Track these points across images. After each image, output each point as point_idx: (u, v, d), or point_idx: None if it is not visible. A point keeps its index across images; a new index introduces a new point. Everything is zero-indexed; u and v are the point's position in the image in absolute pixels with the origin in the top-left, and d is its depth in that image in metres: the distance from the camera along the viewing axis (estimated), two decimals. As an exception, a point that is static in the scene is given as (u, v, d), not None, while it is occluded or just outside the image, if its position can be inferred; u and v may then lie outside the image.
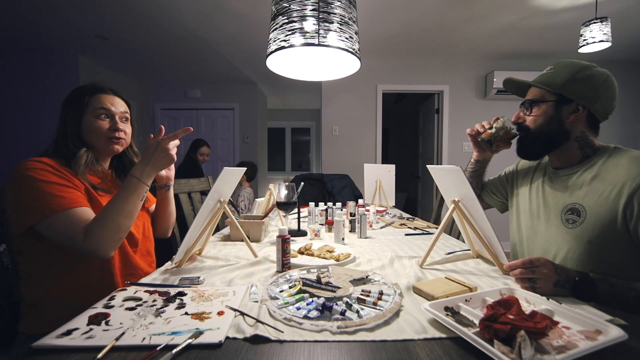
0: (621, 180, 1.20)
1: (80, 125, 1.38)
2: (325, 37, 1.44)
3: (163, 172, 1.61)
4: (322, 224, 2.32)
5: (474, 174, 1.80)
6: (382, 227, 2.35)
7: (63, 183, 1.24)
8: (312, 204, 2.46)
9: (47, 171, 1.23)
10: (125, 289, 1.13)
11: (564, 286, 1.09)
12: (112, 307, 0.99)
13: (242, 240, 1.89)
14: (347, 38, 1.50)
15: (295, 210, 2.10)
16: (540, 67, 2.99)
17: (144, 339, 0.80)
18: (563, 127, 1.36)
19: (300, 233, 2.07)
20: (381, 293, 1.05)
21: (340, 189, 3.71)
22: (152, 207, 1.74)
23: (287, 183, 1.94)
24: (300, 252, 1.60)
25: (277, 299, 1.03)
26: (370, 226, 2.32)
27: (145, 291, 1.11)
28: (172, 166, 1.63)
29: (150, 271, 1.48)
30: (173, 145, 1.37)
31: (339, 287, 1.07)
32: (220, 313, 0.94)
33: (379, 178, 3.28)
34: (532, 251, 1.48)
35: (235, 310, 0.96)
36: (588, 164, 1.33)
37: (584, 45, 3.35)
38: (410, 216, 2.84)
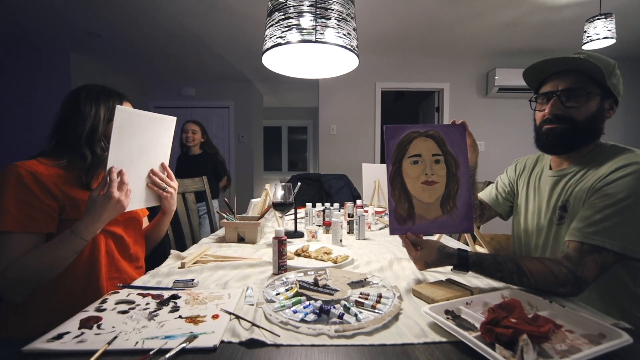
0: (597, 176, 1.20)
1: (107, 127, 1.38)
2: (323, 33, 1.44)
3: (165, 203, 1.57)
4: (319, 225, 2.32)
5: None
6: (380, 229, 2.35)
7: (30, 201, 1.20)
8: (309, 204, 2.46)
9: (25, 183, 1.20)
10: (118, 292, 1.13)
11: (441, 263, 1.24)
12: (104, 310, 0.98)
13: (238, 242, 1.89)
14: (345, 35, 1.50)
15: (292, 211, 2.10)
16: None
17: (136, 343, 0.80)
18: (602, 124, 1.30)
19: (297, 234, 2.07)
20: (380, 296, 1.05)
21: (338, 190, 3.71)
22: (145, 220, 1.73)
23: (283, 183, 1.94)
24: (297, 254, 1.60)
25: (274, 302, 1.03)
26: (369, 227, 2.32)
27: (138, 294, 1.11)
28: (174, 195, 1.59)
29: (137, 277, 1.45)
30: (119, 193, 1.24)
31: (336, 290, 1.07)
32: (215, 316, 0.94)
33: (377, 178, 3.27)
34: (529, 250, 1.48)
35: (230, 313, 0.96)
36: (585, 162, 1.31)
37: (587, 42, 3.33)
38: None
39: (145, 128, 1.38)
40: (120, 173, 1.25)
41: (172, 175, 1.57)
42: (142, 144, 1.38)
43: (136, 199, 1.40)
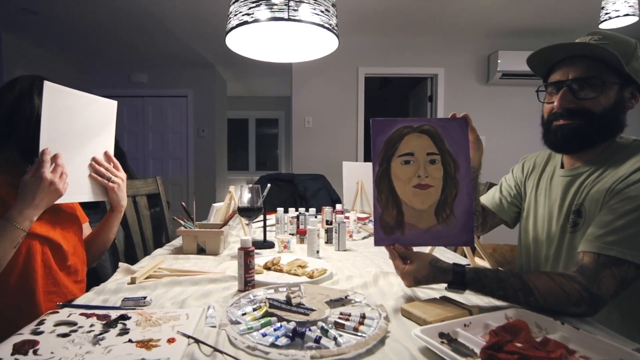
0: (616, 176, 1.20)
1: None
2: (297, 10, 1.44)
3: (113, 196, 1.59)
4: (292, 234, 2.32)
5: None
6: (364, 238, 2.37)
7: None
8: (280, 209, 2.46)
9: None
10: (57, 312, 1.11)
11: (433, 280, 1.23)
12: (41, 333, 0.97)
13: (197, 254, 1.88)
14: (322, 11, 1.50)
15: (261, 217, 2.10)
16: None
17: (78, 372, 0.79)
18: (623, 117, 1.29)
19: (266, 245, 2.07)
20: (363, 316, 1.06)
21: (315, 192, 3.72)
22: (86, 225, 1.75)
23: (250, 185, 1.93)
24: (267, 268, 1.61)
25: (239, 323, 1.03)
26: (351, 236, 2.33)
27: (81, 314, 1.09)
28: (122, 187, 1.61)
29: (76, 292, 1.47)
30: (52, 175, 1.28)
31: (312, 310, 1.08)
32: (171, 340, 0.93)
33: (361, 179, 3.28)
34: (538, 262, 1.49)
35: (188, 337, 0.95)
36: (602, 160, 1.31)
37: (605, 20, 3.31)
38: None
39: (82, 110, 1.42)
40: (55, 157, 1.29)
41: (119, 166, 1.61)
42: (80, 129, 1.42)
43: (80, 190, 1.44)
